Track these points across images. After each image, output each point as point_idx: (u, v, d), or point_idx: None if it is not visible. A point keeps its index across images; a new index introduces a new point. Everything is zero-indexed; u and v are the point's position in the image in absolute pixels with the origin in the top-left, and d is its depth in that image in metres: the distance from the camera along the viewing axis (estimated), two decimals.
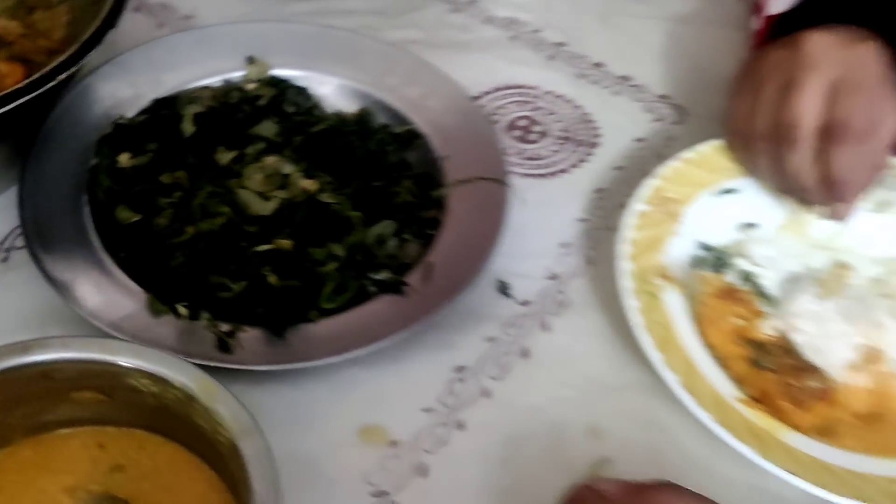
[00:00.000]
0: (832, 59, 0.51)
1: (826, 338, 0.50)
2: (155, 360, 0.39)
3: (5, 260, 0.52)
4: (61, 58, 0.46)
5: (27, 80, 0.44)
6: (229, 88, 0.57)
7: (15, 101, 0.44)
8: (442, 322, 0.49)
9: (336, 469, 0.44)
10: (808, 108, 0.50)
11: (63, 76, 0.46)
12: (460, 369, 0.49)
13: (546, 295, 0.53)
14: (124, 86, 0.56)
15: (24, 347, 0.39)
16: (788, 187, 0.53)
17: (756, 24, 0.62)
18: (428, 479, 0.44)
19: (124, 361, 0.39)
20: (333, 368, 0.46)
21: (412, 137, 0.57)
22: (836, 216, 0.53)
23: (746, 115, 0.53)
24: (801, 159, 0.51)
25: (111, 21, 0.49)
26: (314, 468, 0.44)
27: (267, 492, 0.36)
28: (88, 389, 0.40)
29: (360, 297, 0.48)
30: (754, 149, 0.53)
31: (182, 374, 0.39)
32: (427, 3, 0.69)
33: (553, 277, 0.54)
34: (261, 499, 0.36)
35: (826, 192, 0.51)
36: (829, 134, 0.49)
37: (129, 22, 0.51)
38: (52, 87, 0.45)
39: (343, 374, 0.47)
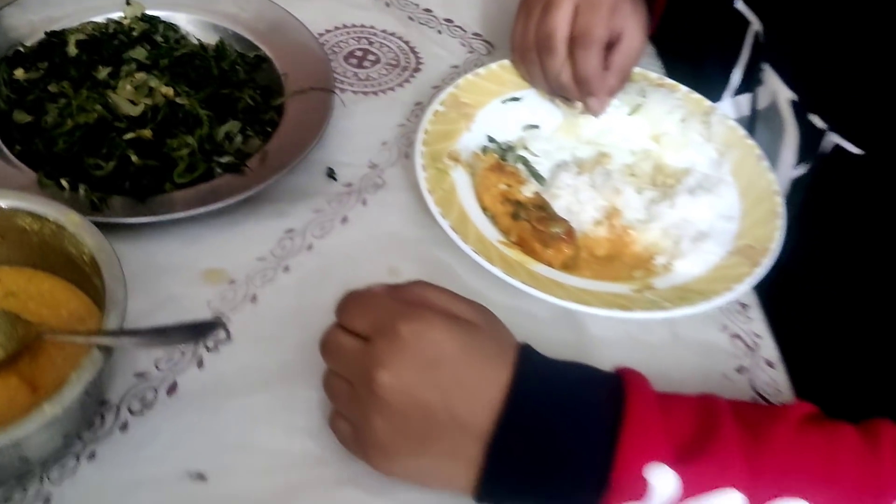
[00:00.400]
0: None
1: (578, 202, 0.65)
2: (34, 202, 0.52)
3: None
4: None
5: None
6: (108, 23, 0.70)
7: None
8: (278, 197, 0.63)
9: (184, 299, 0.57)
10: (560, 22, 0.64)
11: None
12: (290, 231, 0.62)
13: (366, 179, 0.66)
14: (23, 24, 0.69)
15: None
16: (553, 88, 0.68)
17: None
18: (257, 304, 0.58)
19: (11, 204, 0.52)
20: (184, 226, 0.59)
21: (260, 61, 0.70)
22: (591, 110, 0.68)
23: (521, 34, 0.68)
24: (558, 63, 0.65)
25: None
26: (166, 297, 0.57)
27: (116, 288, 0.49)
28: None
29: (208, 177, 0.61)
30: (528, 60, 0.68)
31: (55, 212, 0.51)
32: None
33: (373, 166, 0.67)
34: (111, 292, 0.48)
35: (579, 90, 0.66)
36: (576, 41, 0.64)
37: None
38: None
39: (192, 231, 0.60)
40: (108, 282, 0.49)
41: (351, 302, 0.48)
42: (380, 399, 0.45)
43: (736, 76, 0.75)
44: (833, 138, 0.63)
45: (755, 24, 0.72)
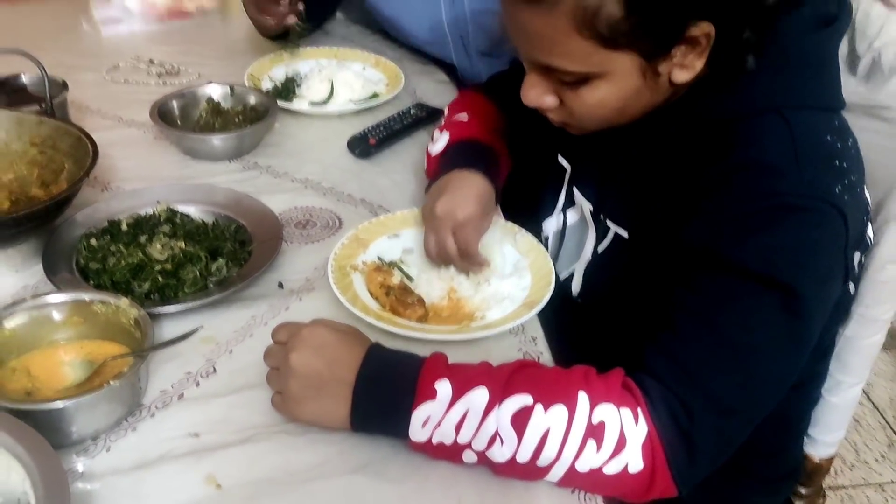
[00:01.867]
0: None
1: (431, 287, 1.05)
2: (104, 295, 0.93)
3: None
4: (67, 192, 1.04)
5: (55, 197, 1.02)
6: (146, 214, 1.15)
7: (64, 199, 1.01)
8: (248, 297, 1.04)
9: (189, 352, 0.97)
10: (450, 244, 1.06)
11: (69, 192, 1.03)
12: (254, 315, 1.02)
13: (302, 286, 1.08)
14: (93, 221, 1.14)
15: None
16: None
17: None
18: (233, 355, 0.97)
19: (91, 297, 0.93)
20: (189, 314, 1.00)
21: (238, 227, 1.14)
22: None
23: (428, 248, 1.10)
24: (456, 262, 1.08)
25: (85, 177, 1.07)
26: (178, 352, 0.97)
27: (148, 330, 0.89)
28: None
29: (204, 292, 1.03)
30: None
31: (115, 299, 0.92)
32: None
33: (307, 280, 1.09)
34: (146, 333, 0.89)
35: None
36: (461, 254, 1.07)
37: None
38: (63, 199, 1.03)
39: (194, 317, 1.00)
40: (144, 329, 0.89)
41: (277, 327, 0.89)
42: (292, 369, 0.84)
43: (560, 201, 1.16)
44: (613, 229, 1.03)
45: (569, 169, 1.14)
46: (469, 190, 1.09)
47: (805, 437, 1.22)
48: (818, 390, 1.16)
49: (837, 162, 0.87)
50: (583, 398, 0.81)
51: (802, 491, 1.23)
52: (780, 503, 1.24)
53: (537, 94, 0.93)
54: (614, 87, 0.87)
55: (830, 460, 1.23)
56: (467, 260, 1.07)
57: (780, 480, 1.21)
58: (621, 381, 0.84)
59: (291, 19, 1.50)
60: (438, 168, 1.15)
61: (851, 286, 1.01)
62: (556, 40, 0.83)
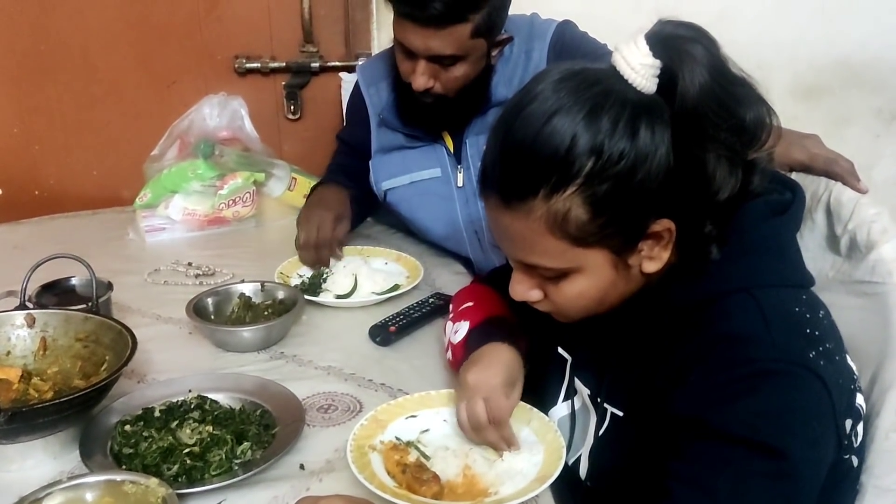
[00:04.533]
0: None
1: (447, 465, 1.09)
2: (134, 476, 0.99)
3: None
4: (106, 379, 1.12)
5: (95, 385, 1.09)
6: (179, 401, 1.22)
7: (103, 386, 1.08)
8: (271, 478, 1.08)
9: None
10: (481, 413, 1.12)
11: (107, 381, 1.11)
12: (276, 496, 1.06)
13: (322, 467, 1.12)
14: (128, 408, 1.21)
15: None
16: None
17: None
18: None
19: (122, 478, 0.98)
20: (214, 493, 1.04)
21: (263, 412, 1.20)
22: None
23: (460, 416, 1.16)
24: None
25: (124, 365, 1.15)
26: None
27: None
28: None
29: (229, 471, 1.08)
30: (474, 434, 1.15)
31: (144, 479, 0.98)
32: None
33: (327, 461, 1.13)
34: None
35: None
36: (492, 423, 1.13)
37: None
38: (102, 387, 1.10)
39: (218, 495, 1.05)
40: None
41: (298, 501, 0.93)
42: None
43: (563, 391, 1.22)
44: (610, 410, 1.08)
45: (568, 362, 1.21)
46: (498, 360, 1.16)
47: None
48: None
49: (808, 330, 0.94)
50: None
51: None
52: None
53: (523, 290, 1.02)
54: (591, 279, 0.96)
55: None
56: (498, 428, 1.11)
57: None
58: None
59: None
60: (466, 350, 1.22)
61: (854, 459, 1.03)
62: (534, 241, 0.93)
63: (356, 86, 1.82)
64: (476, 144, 1.70)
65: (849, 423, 0.98)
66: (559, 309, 1.02)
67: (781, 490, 0.86)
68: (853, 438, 1.00)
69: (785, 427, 0.87)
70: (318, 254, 1.64)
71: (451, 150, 1.73)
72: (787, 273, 0.98)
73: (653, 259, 0.95)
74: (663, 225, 0.91)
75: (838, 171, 1.18)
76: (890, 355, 1.07)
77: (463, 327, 1.27)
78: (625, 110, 0.87)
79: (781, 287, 0.97)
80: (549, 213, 0.90)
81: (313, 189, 1.81)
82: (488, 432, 1.11)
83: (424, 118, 1.67)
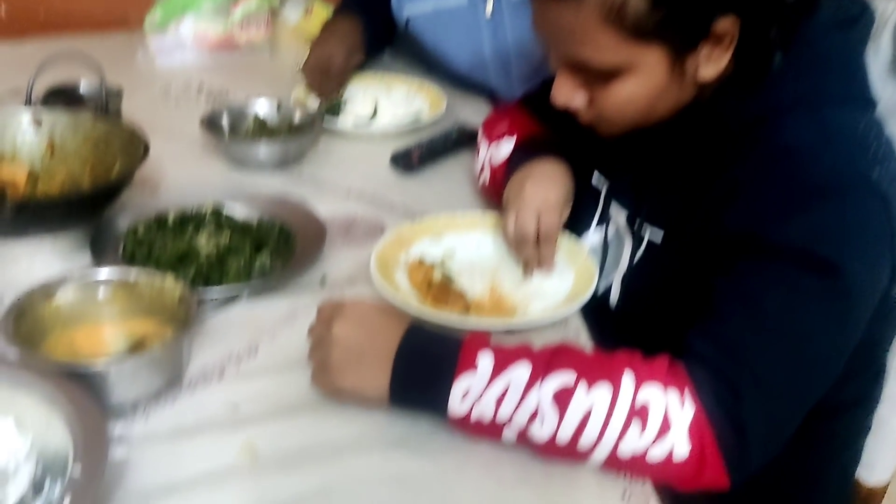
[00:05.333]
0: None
1: (472, 284, 1.05)
2: (149, 274, 0.94)
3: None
4: (119, 180, 1.06)
5: (108, 183, 1.04)
6: (193, 210, 1.16)
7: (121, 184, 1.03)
8: (291, 291, 1.04)
9: (230, 335, 0.97)
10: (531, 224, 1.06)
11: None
12: (294, 311, 1.02)
13: (344, 282, 1.08)
14: (140, 214, 1.16)
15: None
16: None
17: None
18: (275, 339, 0.97)
19: (136, 277, 0.94)
20: (232, 303, 1.00)
21: (283, 229, 1.15)
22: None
23: (507, 231, 1.09)
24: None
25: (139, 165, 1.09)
26: (216, 331, 0.97)
27: (192, 304, 0.89)
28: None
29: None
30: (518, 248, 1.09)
31: (160, 278, 0.93)
32: None
33: (349, 277, 1.09)
34: (189, 308, 0.89)
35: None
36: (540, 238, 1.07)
37: None
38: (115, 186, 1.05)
39: (238, 307, 1.01)
40: (189, 304, 0.90)
41: (322, 303, 0.89)
42: (334, 339, 0.84)
43: (595, 218, 1.16)
44: (648, 236, 1.03)
45: (604, 188, 1.15)
46: (554, 175, 1.10)
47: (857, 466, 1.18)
48: (869, 417, 1.12)
49: (872, 149, 0.87)
50: (628, 378, 0.79)
51: None
52: None
53: (567, 93, 0.94)
54: (642, 81, 0.88)
55: (885, 488, 1.18)
56: (544, 245, 1.06)
57: None
58: (668, 364, 0.82)
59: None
60: (509, 168, 1.15)
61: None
62: (585, 33, 0.85)
63: None
64: None
65: None
66: (604, 116, 0.95)
67: (833, 310, 0.82)
68: None
69: (842, 244, 0.82)
70: (324, 82, 1.56)
71: None
72: (852, 90, 0.91)
73: (711, 63, 0.87)
74: (727, 24, 0.83)
75: None
76: None
77: (507, 144, 1.19)
78: None
79: (845, 104, 0.89)
80: (604, 1, 0.82)
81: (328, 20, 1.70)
82: (531, 248, 1.07)
83: None
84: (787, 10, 0.85)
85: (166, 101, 1.63)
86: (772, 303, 0.82)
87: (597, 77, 0.89)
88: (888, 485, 1.19)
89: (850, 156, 0.84)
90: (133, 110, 1.46)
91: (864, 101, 0.92)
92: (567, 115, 0.98)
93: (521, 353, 0.82)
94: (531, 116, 1.24)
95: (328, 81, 1.56)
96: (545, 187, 1.08)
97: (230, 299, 1.01)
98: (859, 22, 0.93)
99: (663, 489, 0.82)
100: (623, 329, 1.06)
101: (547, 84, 1.04)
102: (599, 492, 0.79)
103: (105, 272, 0.94)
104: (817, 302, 0.81)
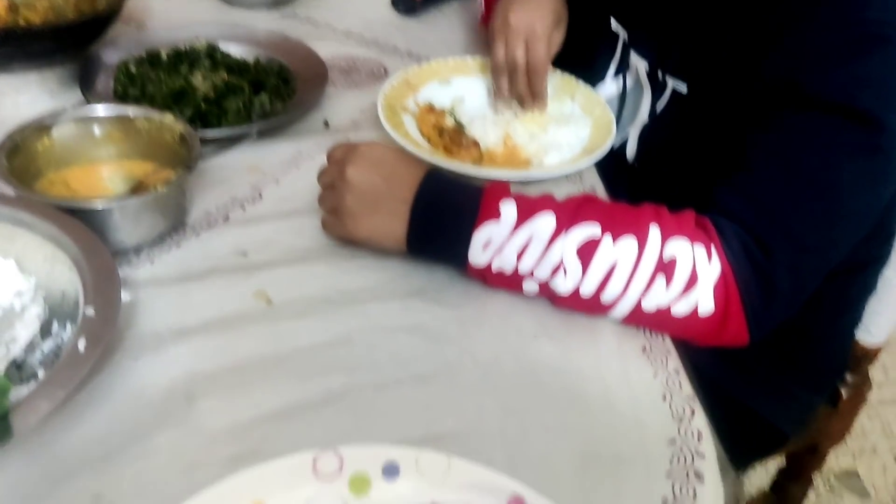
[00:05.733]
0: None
1: (485, 132, 1.00)
2: (147, 111, 0.88)
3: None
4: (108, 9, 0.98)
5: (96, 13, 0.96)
6: (186, 47, 1.09)
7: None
8: (293, 133, 0.99)
9: (233, 184, 0.92)
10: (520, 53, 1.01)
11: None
12: (299, 151, 0.98)
13: (348, 126, 1.03)
14: (131, 47, 1.09)
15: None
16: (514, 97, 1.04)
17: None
18: (280, 184, 0.93)
19: (134, 113, 0.88)
20: (236, 142, 0.95)
21: (281, 67, 1.08)
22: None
23: (495, 59, 1.03)
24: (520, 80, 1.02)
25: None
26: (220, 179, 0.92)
27: (195, 144, 0.84)
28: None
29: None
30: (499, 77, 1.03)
31: (159, 115, 0.87)
32: None
33: (353, 121, 1.04)
34: (192, 147, 0.84)
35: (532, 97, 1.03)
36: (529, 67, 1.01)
37: None
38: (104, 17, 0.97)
39: (242, 146, 0.96)
40: (191, 143, 0.85)
41: (333, 146, 0.84)
42: (349, 183, 0.79)
43: (612, 66, 1.11)
44: (672, 85, 0.98)
45: (623, 35, 1.09)
46: (544, 1, 1.04)
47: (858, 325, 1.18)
48: (877, 276, 1.11)
49: None
50: (654, 231, 0.76)
51: (849, 378, 1.20)
52: (823, 400, 1.21)
53: None
54: None
55: (879, 349, 1.19)
56: (533, 77, 1.02)
57: (827, 374, 1.17)
58: (695, 219, 0.79)
59: None
60: None
61: None
62: None
63: None
64: None
65: None
66: None
67: (871, 166, 0.79)
68: None
69: (885, 98, 0.78)
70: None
71: None
72: None
73: None
74: None
75: None
76: None
77: None
78: None
79: None
80: None
81: None
82: (521, 80, 1.02)
83: None
84: None
85: None
86: (808, 157, 0.78)
87: None
88: (880, 348, 1.20)
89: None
90: None
91: None
92: None
93: (545, 203, 0.78)
94: None
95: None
96: (533, 14, 1.01)
97: (231, 141, 0.96)
98: None
99: (676, 343, 0.81)
100: (640, 184, 1.03)
101: None
102: (619, 345, 0.77)
103: (101, 109, 0.88)
104: (855, 157, 0.78)
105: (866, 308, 1.14)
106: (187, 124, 0.87)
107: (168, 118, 0.87)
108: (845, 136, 0.78)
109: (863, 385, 1.23)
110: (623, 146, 1.05)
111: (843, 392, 1.22)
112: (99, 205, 0.77)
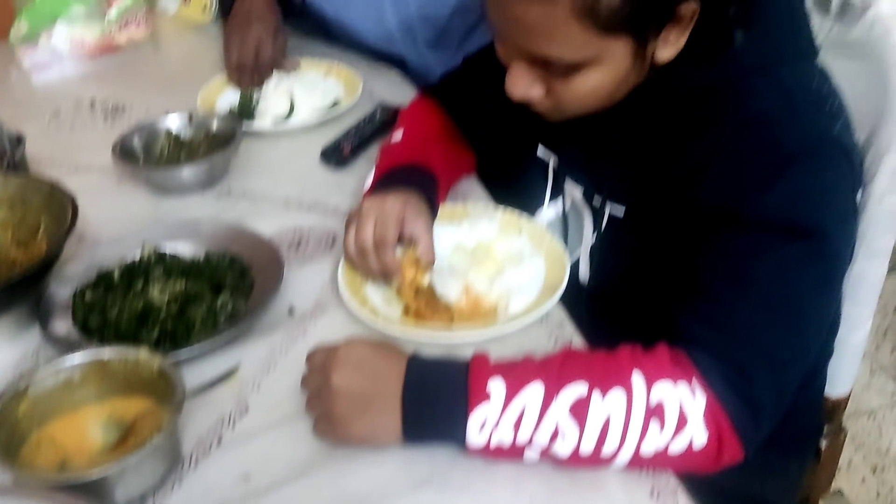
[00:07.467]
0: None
1: (445, 288, 1.03)
2: (120, 352, 0.89)
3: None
4: (53, 250, 0.98)
5: (44, 258, 0.96)
6: (134, 260, 1.10)
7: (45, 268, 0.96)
8: (260, 329, 1.01)
9: (214, 391, 0.93)
10: (367, 235, 1.02)
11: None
12: (272, 344, 0.99)
13: (311, 310, 1.05)
14: (80, 272, 1.08)
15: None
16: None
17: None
18: (260, 391, 0.93)
19: (109, 356, 0.88)
20: (205, 356, 0.96)
21: (232, 260, 1.10)
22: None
23: (346, 243, 1.05)
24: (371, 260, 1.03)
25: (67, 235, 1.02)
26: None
27: (177, 379, 0.85)
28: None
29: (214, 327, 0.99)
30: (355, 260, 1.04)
31: (134, 353, 0.88)
32: None
33: (319, 302, 1.06)
34: (174, 381, 0.84)
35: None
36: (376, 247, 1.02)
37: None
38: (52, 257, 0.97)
39: (211, 356, 0.97)
40: (172, 378, 0.85)
41: (311, 352, 0.86)
42: (335, 390, 0.81)
43: (547, 193, 1.15)
44: (608, 210, 1.02)
45: (552, 160, 1.14)
46: (399, 192, 1.06)
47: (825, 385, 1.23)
48: (833, 342, 1.17)
49: (829, 104, 0.89)
50: (638, 379, 0.80)
51: (826, 429, 1.25)
52: (809, 462, 1.25)
53: (525, 86, 0.91)
54: (607, 72, 0.87)
55: (847, 397, 1.25)
56: (379, 253, 1.02)
57: (807, 439, 1.22)
58: (669, 355, 0.83)
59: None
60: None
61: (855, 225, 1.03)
62: (555, 29, 0.82)
63: None
64: None
65: (859, 194, 0.96)
66: (561, 107, 0.93)
67: (820, 271, 0.84)
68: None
69: (820, 207, 0.84)
70: (257, 75, 1.48)
71: None
72: (801, 45, 0.92)
73: (668, 46, 0.86)
74: (690, 7, 0.82)
75: None
76: (887, 118, 1.03)
77: (370, 176, 1.15)
78: None
79: (797, 61, 0.90)
80: None
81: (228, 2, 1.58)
82: (372, 258, 1.02)
83: None
84: None
85: (60, 126, 1.52)
86: (762, 275, 0.83)
87: (558, 70, 0.87)
88: (849, 394, 1.26)
89: (812, 116, 0.85)
90: (28, 145, 1.35)
91: (813, 51, 0.93)
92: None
93: (530, 370, 0.81)
94: (438, 115, 1.22)
95: (260, 73, 1.48)
96: (387, 198, 1.04)
97: (203, 354, 0.97)
98: None
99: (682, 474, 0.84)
100: (598, 306, 1.07)
101: (486, 53, 1.01)
102: (627, 493, 0.80)
103: (74, 358, 0.88)
104: (805, 268, 0.83)
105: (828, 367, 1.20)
106: (162, 356, 0.87)
107: (143, 354, 0.88)
108: (790, 250, 0.83)
109: (839, 432, 1.29)
110: (575, 268, 1.09)
111: (823, 443, 1.28)
112: (95, 474, 0.77)
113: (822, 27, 1.08)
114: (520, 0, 0.81)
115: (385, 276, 1.03)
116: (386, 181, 1.10)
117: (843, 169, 0.86)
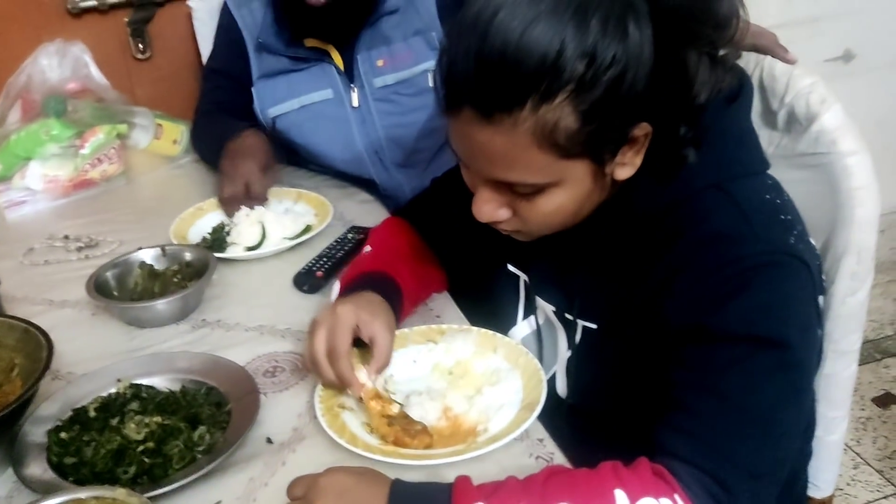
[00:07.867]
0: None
1: (423, 410, 1.03)
2: (100, 490, 0.87)
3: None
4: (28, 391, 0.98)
5: (20, 398, 0.95)
6: (110, 395, 1.09)
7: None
8: (239, 460, 0.99)
9: None
10: (319, 345, 1.03)
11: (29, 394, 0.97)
12: (252, 478, 0.98)
13: (289, 438, 1.04)
14: (55, 412, 1.07)
15: None
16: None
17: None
18: None
19: (88, 494, 0.87)
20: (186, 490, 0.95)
21: (209, 389, 1.09)
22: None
23: (305, 354, 1.08)
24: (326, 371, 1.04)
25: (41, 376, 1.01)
26: None
27: None
28: None
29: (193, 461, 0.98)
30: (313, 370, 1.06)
31: (111, 492, 0.86)
32: None
33: (295, 429, 1.05)
34: None
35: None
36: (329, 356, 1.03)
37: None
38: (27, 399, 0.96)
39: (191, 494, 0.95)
40: None
41: (292, 483, 0.85)
42: None
43: (521, 309, 1.18)
44: (581, 324, 1.04)
45: (523, 277, 1.16)
46: (360, 298, 1.08)
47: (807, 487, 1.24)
48: (811, 444, 1.18)
49: (783, 216, 0.93)
50: (621, 497, 0.80)
51: None
52: None
53: (491, 210, 0.95)
54: (569, 193, 0.90)
55: (831, 497, 1.25)
56: (333, 364, 1.02)
57: None
58: (651, 470, 0.83)
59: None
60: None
61: (819, 331, 1.05)
62: (517, 156, 0.86)
63: (224, 9, 1.66)
64: (369, 60, 1.59)
65: (821, 299, 0.99)
66: (528, 227, 0.96)
67: (789, 379, 0.86)
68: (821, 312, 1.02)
69: (783, 317, 0.86)
70: (248, 207, 1.51)
71: (342, 69, 1.61)
72: (751, 160, 0.96)
73: (626, 165, 0.90)
74: (643, 129, 0.86)
75: (765, 43, 1.16)
76: (840, 224, 1.08)
77: (336, 287, 1.18)
78: (613, 7, 0.80)
79: (749, 176, 0.94)
80: (536, 124, 0.82)
81: (223, 139, 1.60)
82: (325, 368, 1.03)
83: (308, 29, 1.54)
84: (696, 110, 0.88)
85: (34, 263, 1.53)
86: (734, 387, 0.85)
87: (523, 192, 0.90)
88: (832, 496, 1.26)
89: (767, 230, 0.89)
90: (1, 284, 1.36)
91: (764, 165, 0.97)
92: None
93: (513, 492, 0.81)
94: (406, 234, 1.25)
95: (249, 205, 1.51)
96: (341, 308, 1.04)
97: (182, 489, 0.95)
98: (743, 91, 0.97)
99: None
100: (578, 419, 1.08)
101: (454, 174, 1.05)
102: None
103: (49, 501, 0.86)
104: (774, 378, 0.85)
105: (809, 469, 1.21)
106: (140, 495, 0.86)
107: (120, 493, 0.86)
108: (758, 360, 0.85)
109: None
110: (553, 381, 1.10)
111: None
112: None
113: (771, 140, 1.14)
114: (482, 130, 0.85)
115: (344, 385, 1.03)
116: (349, 290, 1.12)
117: (803, 278, 0.88)
